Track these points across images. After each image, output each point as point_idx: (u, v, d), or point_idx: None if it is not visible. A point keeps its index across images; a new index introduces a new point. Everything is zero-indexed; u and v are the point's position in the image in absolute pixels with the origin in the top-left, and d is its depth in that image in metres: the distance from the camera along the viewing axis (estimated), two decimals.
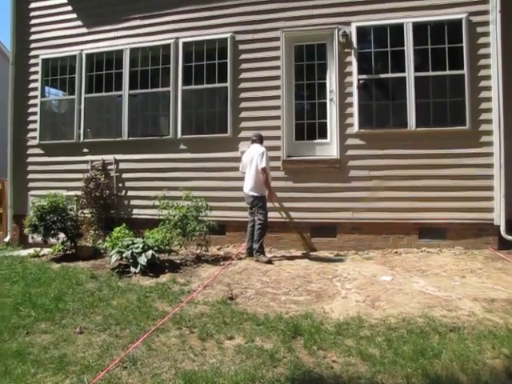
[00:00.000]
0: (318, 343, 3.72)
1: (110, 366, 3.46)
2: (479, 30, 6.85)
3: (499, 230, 6.72)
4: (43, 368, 3.48)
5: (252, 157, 6.74)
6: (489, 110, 6.81)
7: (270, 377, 3.21)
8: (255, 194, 6.69)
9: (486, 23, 6.83)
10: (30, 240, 8.74)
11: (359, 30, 7.29)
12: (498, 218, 6.71)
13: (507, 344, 3.56)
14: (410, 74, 7.03)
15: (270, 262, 6.47)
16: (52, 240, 7.46)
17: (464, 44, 6.84)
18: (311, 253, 7.04)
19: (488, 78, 6.81)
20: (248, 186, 6.76)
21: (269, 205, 6.92)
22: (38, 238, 7.68)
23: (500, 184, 6.70)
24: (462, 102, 6.86)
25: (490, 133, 6.80)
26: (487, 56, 6.82)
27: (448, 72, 6.95)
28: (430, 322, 4.07)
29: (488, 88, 6.81)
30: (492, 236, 6.80)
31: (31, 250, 7.91)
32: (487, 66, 6.82)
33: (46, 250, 7.71)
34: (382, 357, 3.44)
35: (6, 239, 9.31)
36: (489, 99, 6.81)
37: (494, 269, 5.76)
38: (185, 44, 8.11)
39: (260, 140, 6.95)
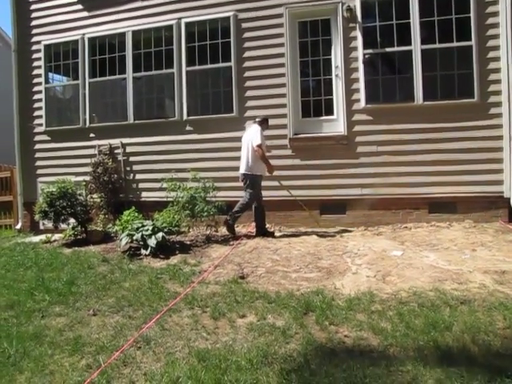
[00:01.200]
0: (330, 319, 3.74)
1: (124, 346, 3.51)
2: None
3: (509, 203, 6.67)
4: (60, 349, 3.56)
5: (247, 136, 6.84)
6: (498, 82, 6.69)
7: (283, 353, 3.25)
8: (247, 173, 6.75)
9: None
10: (41, 226, 8.83)
11: (363, 3, 7.14)
12: (508, 190, 6.65)
13: None
14: (416, 46, 6.91)
15: (232, 232, 6.88)
16: (63, 225, 7.54)
17: (472, 14, 6.68)
18: (321, 230, 7.04)
19: (497, 48, 6.67)
20: (242, 165, 6.83)
21: (275, 183, 6.97)
22: (49, 224, 7.75)
23: (510, 156, 6.62)
24: (470, 74, 6.74)
25: (499, 104, 6.70)
26: (496, 26, 6.66)
27: (455, 44, 6.81)
28: (440, 295, 4.08)
29: (497, 59, 6.68)
30: (502, 209, 6.75)
31: (43, 236, 7.99)
32: (496, 36, 6.67)
33: (57, 236, 7.79)
34: (393, 330, 3.46)
35: (18, 226, 9.42)
36: (498, 70, 6.68)
37: (505, 241, 5.72)
38: (187, 24, 8.02)
39: (260, 122, 6.92)
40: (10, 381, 3.16)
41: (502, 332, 3.35)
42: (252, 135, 6.72)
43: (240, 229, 7.34)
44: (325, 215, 7.33)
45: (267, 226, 7.11)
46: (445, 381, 2.76)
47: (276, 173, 7.20)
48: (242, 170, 6.80)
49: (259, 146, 6.57)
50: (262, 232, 6.88)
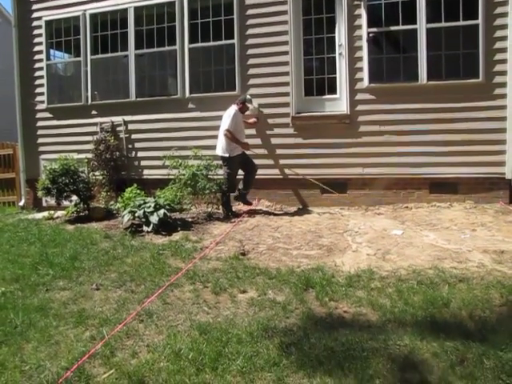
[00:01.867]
0: (330, 295, 3.80)
1: (127, 319, 3.58)
2: None
3: (510, 184, 6.67)
4: (64, 321, 3.63)
5: (223, 117, 6.93)
6: (504, 61, 6.58)
7: (283, 327, 3.32)
8: (221, 155, 6.90)
9: None
10: (44, 203, 8.88)
11: None
12: (510, 172, 6.63)
13: None
14: (421, 25, 6.80)
15: (228, 217, 6.79)
16: (65, 202, 7.59)
17: None
18: (323, 208, 7.08)
19: (504, 27, 6.53)
20: (217, 147, 6.97)
21: (276, 162, 7.06)
22: (52, 201, 7.82)
23: None
24: (475, 54, 6.65)
25: (504, 85, 6.61)
26: (504, 3, 6.51)
27: (462, 22, 6.70)
28: (439, 273, 4.13)
29: (504, 38, 6.55)
30: (503, 190, 6.74)
31: (45, 213, 8.05)
32: (504, 15, 6.52)
33: (59, 213, 7.85)
34: (392, 306, 3.52)
35: (21, 203, 9.47)
36: (504, 50, 6.56)
37: (505, 222, 5.76)
38: (190, 1, 7.90)
39: (239, 102, 6.94)
40: (18, 349, 3.24)
41: (499, 309, 3.41)
42: (225, 118, 6.85)
43: (241, 206, 7.38)
44: (326, 194, 7.34)
45: (268, 204, 7.16)
46: (441, 354, 2.82)
47: (278, 151, 7.26)
48: (217, 152, 6.97)
49: (228, 131, 6.70)
50: (242, 197, 7.07)
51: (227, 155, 6.82)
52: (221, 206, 7.01)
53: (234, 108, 6.87)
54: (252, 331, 3.23)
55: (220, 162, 7.03)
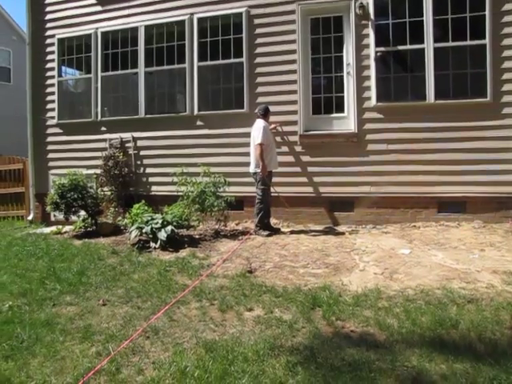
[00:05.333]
0: (337, 314, 3.77)
1: (133, 335, 3.57)
2: None
3: None
4: (70, 336, 3.63)
5: (252, 133, 6.87)
6: (511, 81, 6.63)
7: (289, 346, 3.29)
8: (254, 171, 6.83)
9: None
10: (52, 218, 8.94)
11: (376, 0, 7.10)
12: None
13: None
14: (429, 45, 6.86)
15: (270, 235, 6.59)
16: (73, 217, 7.65)
17: (487, 12, 6.59)
18: (329, 227, 7.07)
19: None
20: (251, 163, 6.90)
21: (284, 180, 7.08)
22: (60, 216, 7.86)
23: None
24: (483, 73, 6.68)
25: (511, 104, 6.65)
26: None
27: (469, 42, 6.75)
28: (448, 293, 4.09)
29: (511, 58, 6.62)
30: None
31: (53, 228, 8.11)
32: (511, 35, 6.60)
33: (67, 228, 7.90)
34: (399, 327, 3.48)
35: (30, 217, 9.54)
36: None
37: None
38: (199, 20, 8.04)
39: (263, 114, 6.94)
40: (24, 364, 3.23)
41: (509, 331, 3.35)
42: (255, 132, 6.78)
43: (249, 224, 7.38)
44: (333, 212, 7.33)
45: (275, 221, 7.14)
46: (450, 377, 2.77)
47: (286, 169, 7.25)
48: (251, 169, 6.89)
49: (259, 145, 6.63)
50: (265, 225, 6.86)
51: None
52: (254, 229, 6.83)
53: (261, 121, 6.82)
54: (258, 350, 3.20)
55: (229, 179, 7.02)
